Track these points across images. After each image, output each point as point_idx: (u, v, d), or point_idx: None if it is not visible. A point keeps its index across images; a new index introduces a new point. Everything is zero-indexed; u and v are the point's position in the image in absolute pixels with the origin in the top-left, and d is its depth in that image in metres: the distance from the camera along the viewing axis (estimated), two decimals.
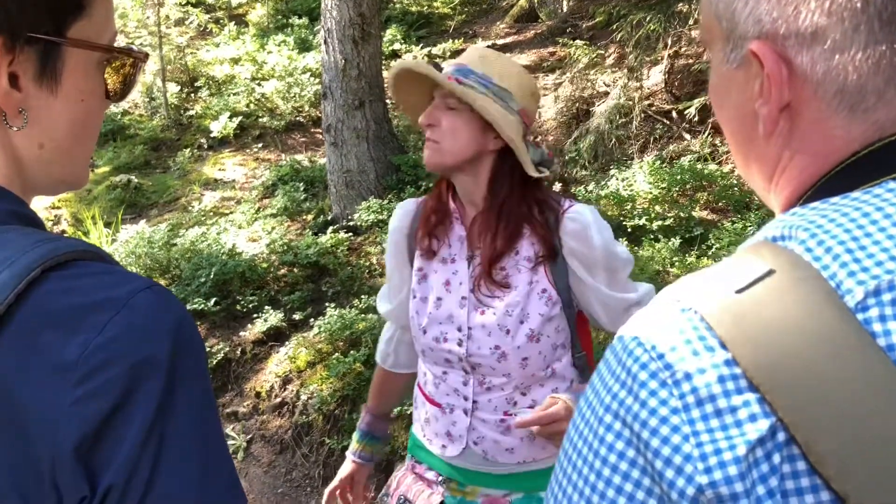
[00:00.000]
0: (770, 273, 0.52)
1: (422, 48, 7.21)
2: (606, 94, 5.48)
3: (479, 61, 1.48)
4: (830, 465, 0.46)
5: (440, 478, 1.59)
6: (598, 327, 1.58)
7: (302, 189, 5.28)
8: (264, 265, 4.35)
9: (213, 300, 4.02)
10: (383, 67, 5.20)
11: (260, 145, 6.31)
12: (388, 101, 5.03)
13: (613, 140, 5.02)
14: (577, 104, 5.65)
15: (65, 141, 0.66)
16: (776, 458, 0.48)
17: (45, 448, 0.53)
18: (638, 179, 4.57)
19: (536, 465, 1.53)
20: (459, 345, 1.48)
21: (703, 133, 4.94)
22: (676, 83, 5.60)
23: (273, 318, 3.86)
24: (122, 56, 0.69)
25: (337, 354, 3.54)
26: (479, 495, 1.56)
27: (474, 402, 1.51)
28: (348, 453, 1.73)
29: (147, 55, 0.75)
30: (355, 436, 1.73)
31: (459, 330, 1.48)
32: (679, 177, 4.47)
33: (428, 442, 1.58)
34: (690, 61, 5.61)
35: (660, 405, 0.51)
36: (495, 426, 1.50)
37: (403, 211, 1.60)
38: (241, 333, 3.89)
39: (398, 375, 1.72)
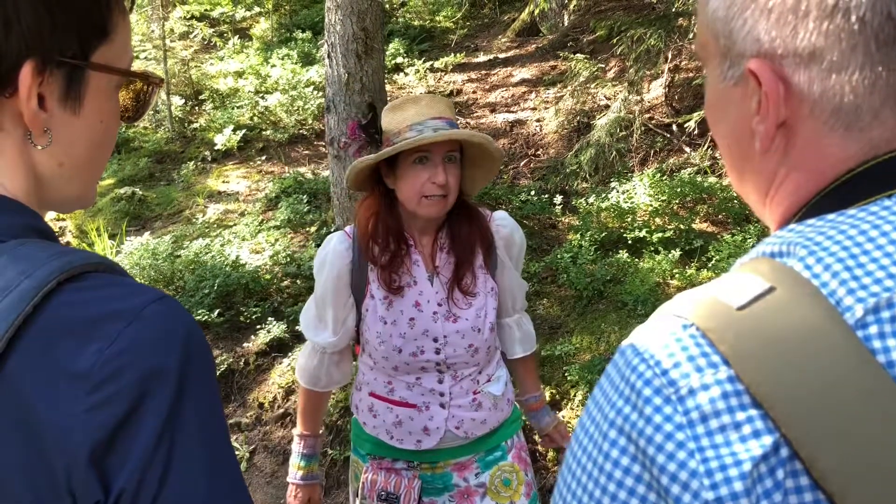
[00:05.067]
0: (771, 290, 0.52)
1: (424, 62, 7.26)
2: (607, 107, 5.51)
3: (445, 108, 1.59)
4: (833, 481, 0.47)
5: (410, 464, 1.71)
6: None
7: (305, 201, 5.30)
8: (267, 277, 4.36)
9: (216, 311, 4.02)
10: (386, 81, 5.23)
11: (263, 158, 6.33)
12: None
13: (614, 153, 5.05)
14: (577, 117, 5.69)
15: (83, 160, 0.68)
16: (780, 474, 0.48)
17: (59, 454, 0.54)
18: (638, 192, 4.59)
19: (494, 424, 1.72)
20: (437, 353, 1.62)
21: (703, 146, 4.96)
22: (676, 97, 5.63)
23: (276, 329, 3.87)
24: (140, 80, 0.72)
25: None
26: (448, 466, 1.70)
27: (450, 394, 1.65)
28: (295, 480, 1.79)
29: (162, 80, 0.77)
30: (299, 462, 1.80)
31: (435, 340, 1.62)
32: (679, 189, 4.49)
33: (399, 442, 1.68)
34: (691, 75, 5.65)
35: (665, 421, 0.51)
36: (469, 407, 1.66)
37: (342, 248, 1.64)
38: (245, 344, 3.90)
39: (327, 393, 1.83)
